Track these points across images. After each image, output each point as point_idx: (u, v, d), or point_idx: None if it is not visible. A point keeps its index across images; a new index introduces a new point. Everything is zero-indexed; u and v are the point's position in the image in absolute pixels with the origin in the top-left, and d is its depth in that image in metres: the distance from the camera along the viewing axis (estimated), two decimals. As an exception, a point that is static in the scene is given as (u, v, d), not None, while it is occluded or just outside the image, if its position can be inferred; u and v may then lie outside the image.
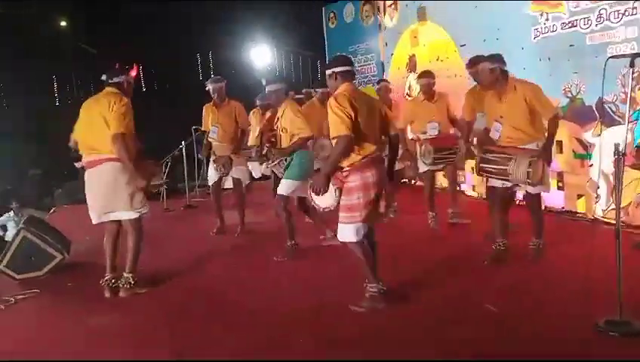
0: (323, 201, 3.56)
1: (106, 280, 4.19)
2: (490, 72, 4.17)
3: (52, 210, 8.83)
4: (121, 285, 4.18)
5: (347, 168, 3.45)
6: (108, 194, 4.04)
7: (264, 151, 6.33)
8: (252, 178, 7.26)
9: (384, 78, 7.99)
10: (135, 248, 4.20)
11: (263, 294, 4.12)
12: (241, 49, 13.83)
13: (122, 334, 3.59)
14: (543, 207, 5.75)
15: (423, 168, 5.73)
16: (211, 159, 5.99)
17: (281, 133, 4.93)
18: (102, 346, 3.42)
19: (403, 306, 3.64)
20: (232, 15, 13.87)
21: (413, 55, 8.33)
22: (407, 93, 8.51)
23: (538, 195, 4.30)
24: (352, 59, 9.52)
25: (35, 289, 4.49)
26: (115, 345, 3.42)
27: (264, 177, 7.50)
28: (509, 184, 4.20)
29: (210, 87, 5.92)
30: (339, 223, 3.54)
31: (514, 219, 4.56)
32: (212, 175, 6.01)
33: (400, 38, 8.56)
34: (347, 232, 3.50)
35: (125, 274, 4.21)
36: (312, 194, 3.56)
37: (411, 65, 8.37)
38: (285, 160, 4.89)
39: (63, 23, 17.36)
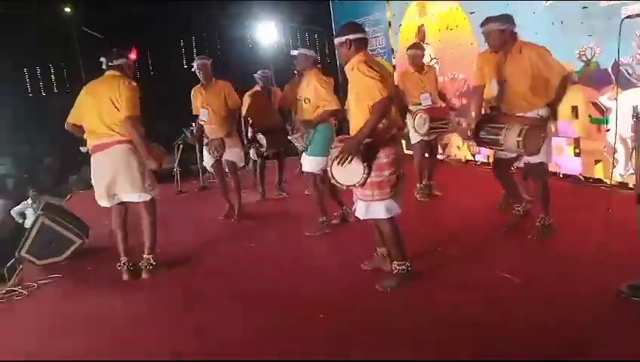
0: (346, 178, 3.35)
1: (124, 264, 4.22)
2: (499, 33, 3.96)
3: (68, 196, 8.92)
4: (143, 267, 4.22)
5: (376, 143, 3.29)
6: (118, 176, 4.01)
7: (250, 136, 6.44)
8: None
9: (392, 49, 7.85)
10: (152, 229, 4.23)
11: (284, 273, 4.14)
12: (247, 27, 13.73)
13: (146, 316, 3.65)
14: (560, 175, 5.78)
15: (415, 139, 5.70)
16: (205, 142, 5.79)
17: (303, 103, 4.76)
18: (127, 328, 3.47)
19: (426, 284, 3.60)
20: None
21: (422, 25, 8.19)
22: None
23: (539, 165, 4.04)
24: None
25: (57, 274, 4.57)
26: (139, 326, 3.49)
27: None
28: (511, 155, 4.07)
29: (194, 64, 5.70)
30: (365, 200, 3.41)
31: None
32: (207, 159, 5.88)
33: (408, 8, 8.41)
34: (378, 209, 3.39)
35: (145, 256, 4.24)
36: (334, 169, 3.34)
37: (420, 36, 8.23)
38: (308, 133, 4.76)
39: (67, 10, 17.30)
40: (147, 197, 4.16)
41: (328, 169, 3.42)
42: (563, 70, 3.87)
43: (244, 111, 6.49)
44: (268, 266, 4.35)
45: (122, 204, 4.20)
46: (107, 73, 4.12)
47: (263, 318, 3.35)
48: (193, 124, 6.09)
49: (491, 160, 5.16)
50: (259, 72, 6.78)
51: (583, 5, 5.36)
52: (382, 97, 3.18)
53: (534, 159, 3.97)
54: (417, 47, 5.86)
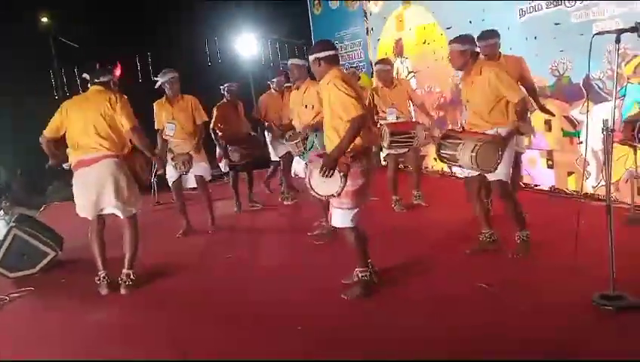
0: (325, 189, 3.42)
1: (103, 278, 4.17)
2: (459, 54, 3.96)
3: (43, 207, 8.75)
4: (121, 281, 4.16)
5: (351, 154, 3.40)
6: (105, 189, 4.02)
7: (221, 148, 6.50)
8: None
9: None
10: (134, 243, 4.22)
11: (261, 285, 4.13)
12: (227, 40, 13.70)
13: (121, 330, 3.60)
14: (534, 186, 5.88)
15: (385, 153, 5.90)
16: (169, 157, 5.60)
17: (304, 109, 4.86)
18: (100, 343, 3.42)
19: (394, 291, 3.67)
20: (215, 5, 13.73)
21: (400, 39, 8.31)
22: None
23: (499, 183, 3.94)
24: (339, 45, 9.64)
25: (30, 287, 4.48)
26: (114, 341, 3.43)
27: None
28: (474, 173, 4.00)
29: (162, 80, 5.56)
30: (336, 209, 3.52)
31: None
32: (171, 174, 5.66)
33: (386, 22, 8.53)
34: (345, 218, 3.50)
35: (125, 271, 4.20)
36: (313, 183, 3.43)
37: (398, 50, 8.35)
38: (306, 139, 4.85)
39: (44, 19, 17.12)
40: (131, 211, 4.18)
41: (306, 182, 3.50)
42: (519, 93, 3.82)
43: (212, 124, 6.50)
44: (245, 278, 4.34)
45: (101, 216, 4.19)
46: (93, 88, 4.15)
47: (238, 330, 3.35)
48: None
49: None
50: (225, 84, 6.76)
51: (556, 21, 5.50)
52: (357, 114, 3.29)
53: (493, 177, 3.90)
54: (384, 62, 5.96)
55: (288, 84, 6.53)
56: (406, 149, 5.74)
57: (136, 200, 4.22)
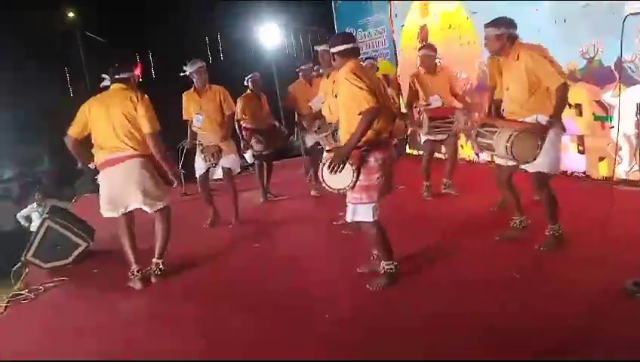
0: (338, 183, 3.42)
1: (137, 272, 4.15)
2: (496, 39, 3.77)
3: (74, 200, 8.95)
4: (151, 271, 4.21)
5: (365, 147, 3.37)
6: (131, 189, 4.02)
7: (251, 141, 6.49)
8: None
9: (394, 52, 7.75)
10: (165, 235, 4.25)
11: (285, 276, 4.15)
12: (250, 30, 13.75)
13: (153, 319, 3.67)
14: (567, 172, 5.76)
15: (422, 138, 5.81)
16: (198, 149, 5.62)
17: (334, 98, 4.74)
18: (134, 331, 3.49)
19: (417, 278, 3.67)
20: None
21: (425, 25, 8.19)
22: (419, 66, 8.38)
23: (538, 175, 3.75)
24: (362, 32, 9.56)
25: (63, 277, 4.60)
26: (147, 330, 3.51)
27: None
28: (510, 162, 3.88)
29: (190, 70, 5.50)
30: (352, 203, 3.48)
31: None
32: (200, 166, 5.63)
33: (410, 8, 8.42)
34: (364, 212, 3.47)
35: (155, 260, 4.24)
36: (325, 176, 3.43)
37: (423, 36, 8.23)
38: (336, 132, 4.62)
39: (71, 14, 17.39)
40: (161, 205, 4.19)
41: (319, 175, 3.51)
42: (558, 79, 3.59)
43: (237, 115, 6.50)
44: (270, 268, 4.38)
45: (130, 212, 4.18)
46: (115, 86, 4.11)
47: (262, 319, 3.39)
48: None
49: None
50: (249, 75, 6.78)
51: (585, 3, 5.35)
52: (369, 106, 3.24)
53: (532, 168, 3.73)
54: (429, 47, 5.81)
55: (319, 71, 6.46)
56: (445, 135, 5.66)
57: (164, 194, 4.22)
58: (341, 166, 3.33)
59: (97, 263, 4.90)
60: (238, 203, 5.84)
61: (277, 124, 7.13)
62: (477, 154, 7.45)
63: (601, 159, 5.58)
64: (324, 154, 3.65)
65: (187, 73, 5.53)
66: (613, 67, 5.21)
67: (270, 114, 7.00)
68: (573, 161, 5.90)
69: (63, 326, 3.71)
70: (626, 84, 5.04)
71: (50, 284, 4.46)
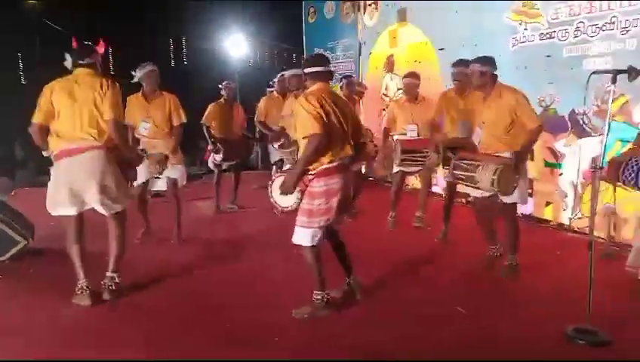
0: (284, 201, 3.49)
1: (85, 287, 3.73)
2: (480, 75, 4.06)
3: (12, 192, 8.50)
4: (104, 286, 3.80)
5: (312, 173, 3.35)
6: (91, 183, 3.65)
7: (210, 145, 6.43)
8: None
9: (353, 75, 7.68)
10: (121, 243, 3.88)
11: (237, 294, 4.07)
12: (216, 38, 13.63)
13: (86, 324, 3.49)
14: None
15: (395, 169, 5.75)
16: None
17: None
18: (64, 336, 3.32)
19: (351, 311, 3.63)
20: (208, 3, 13.67)
21: (392, 55, 8.36)
22: (383, 93, 8.55)
23: (512, 206, 4.10)
24: (331, 55, 9.65)
25: (-3, 274, 4.34)
26: (77, 335, 3.34)
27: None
28: (487, 194, 4.09)
29: (139, 73, 5.09)
30: (296, 226, 3.44)
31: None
32: (142, 174, 4.90)
33: (379, 37, 8.58)
34: (303, 236, 3.41)
35: (109, 273, 3.84)
36: (274, 193, 3.49)
37: (389, 66, 8.40)
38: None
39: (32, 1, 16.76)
40: (119, 207, 3.82)
41: (269, 190, 3.59)
42: (536, 121, 3.95)
43: (204, 119, 6.52)
44: (222, 285, 4.26)
45: (81, 214, 3.77)
46: (80, 71, 3.75)
47: (212, 345, 3.28)
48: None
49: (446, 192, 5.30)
50: (223, 82, 6.75)
51: (547, 53, 5.60)
52: (312, 132, 3.23)
53: (509, 199, 4.00)
54: (413, 75, 5.77)
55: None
56: (417, 168, 5.65)
57: (125, 196, 3.89)
58: (293, 188, 3.37)
59: (35, 263, 4.65)
60: (181, 218, 5.41)
61: (249, 135, 7.10)
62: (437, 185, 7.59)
63: (548, 204, 5.80)
64: (277, 176, 3.73)
65: (136, 79, 5.15)
66: (567, 117, 5.46)
67: (242, 125, 6.95)
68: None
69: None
70: (578, 135, 5.29)
71: (-19, 281, 4.20)
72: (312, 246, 3.41)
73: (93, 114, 3.67)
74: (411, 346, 3.13)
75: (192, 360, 3.03)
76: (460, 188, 4.79)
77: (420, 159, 5.49)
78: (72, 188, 3.66)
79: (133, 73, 5.16)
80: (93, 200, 3.71)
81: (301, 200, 3.41)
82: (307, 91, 3.49)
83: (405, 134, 5.65)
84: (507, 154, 3.92)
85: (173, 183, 5.33)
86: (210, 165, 6.77)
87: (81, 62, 3.77)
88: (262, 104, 6.94)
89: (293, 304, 3.57)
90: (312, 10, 10.16)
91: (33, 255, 4.80)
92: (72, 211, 3.70)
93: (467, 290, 3.95)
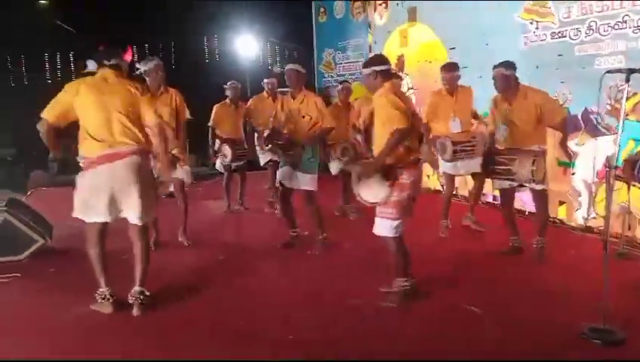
0: (371, 196, 3.55)
1: (109, 295, 3.62)
2: (504, 78, 4.44)
3: (29, 193, 8.62)
4: (133, 300, 3.59)
5: (400, 165, 3.55)
6: (130, 191, 3.49)
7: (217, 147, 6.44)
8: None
9: (348, 81, 7.17)
10: (147, 255, 3.68)
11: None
12: (226, 38, 13.70)
13: (107, 324, 3.53)
14: (526, 212, 5.97)
15: (445, 168, 5.47)
16: None
17: (301, 118, 4.82)
18: (83, 336, 3.36)
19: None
20: (217, 3, 13.71)
21: (402, 55, 8.37)
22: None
23: (543, 192, 4.51)
24: (341, 55, 9.68)
25: (16, 273, 4.41)
26: (98, 334, 3.38)
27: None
28: (515, 184, 4.54)
29: (144, 68, 4.86)
30: (380, 218, 3.60)
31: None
32: None
33: (389, 36, 8.60)
34: (389, 227, 3.58)
35: (137, 288, 3.62)
36: (360, 188, 3.55)
37: (399, 65, 8.41)
38: (303, 149, 4.77)
39: (43, 1, 16.91)
40: (149, 219, 3.69)
41: (354, 187, 3.60)
42: (563, 112, 4.66)
43: (211, 121, 6.53)
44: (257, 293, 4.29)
45: (104, 222, 3.59)
46: (106, 73, 3.57)
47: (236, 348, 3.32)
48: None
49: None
50: (228, 83, 6.73)
51: (559, 52, 5.60)
52: (401, 127, 3.43)
53: (540, 186, 4.44)
54: (453, 68, 5.44)
55: (283, 89, 6.46)
56: (467, 162, 5.29)
57: (155, 206, 3.78)
58: (371, 179, 3.49)
59: (53, 262, 4.72)
60: (187, 218, 5.33)
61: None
62: (442, 186, 7.60)
63: (561, 203, 5.80)
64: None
65: (141, 71, 4.90)
66: (579, 117, 5.46)
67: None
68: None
69: (11, 324, 3.54)
70: (591, 134, 5.29)
71: (2, 279, 4.27)
72: (396, 236, 3.60)
73: (131, 117, 3.53)
74: (425, 345, 3.16)
75: (199, 360, 3.06)
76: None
77: (469, 148, 5.19)
78: (112, 195, 3.48)
79: (137, 65, 5.02)
80: (132, 209, 3.53)
81: (389, 194, 3.50)
82: (384, 89, 3.61)
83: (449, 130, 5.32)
84: (536, 148, 4.38)
85: (180, 183, 5.20)
86: (218, 167, 6.76)
87: (108, 62, 3.62)
88: (251, 103, 6.83)
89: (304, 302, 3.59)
90: (322, 10, 10.20)
91: (52, 254, 4.87)
92: (106, 219, 3.54)
93: (482, 290, 3.97)
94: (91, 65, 3.85)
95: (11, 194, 5.98)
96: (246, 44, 12.71)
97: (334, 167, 6.13)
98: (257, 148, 6.71)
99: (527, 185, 4.45)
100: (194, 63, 14.90)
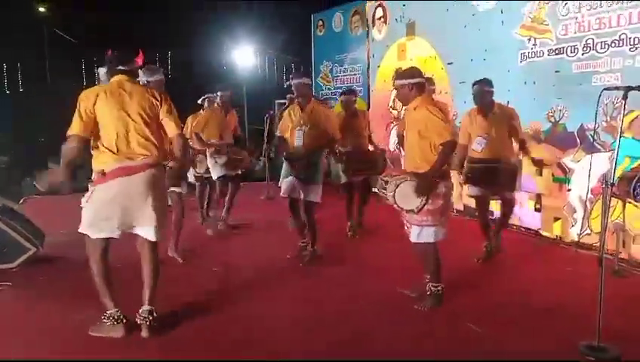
0: (406, 204, 3.65)
1: (118, 318, 3.36)
2: (486, 94, 4.82)
3: (22, 200, 8.56)
4: (142, 320, 3.36)
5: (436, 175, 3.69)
6: (149, 206, 3.29)
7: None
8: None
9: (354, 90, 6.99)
10: (156, 273, 3.46)
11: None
12: (225, 50, 13.75)
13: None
14: (522, 228, 5.98)
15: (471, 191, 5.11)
16: None
17: (307, 129, 4.87)
18: (74, 345, 3.32)
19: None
20: (216, 14, 13.78)
21: (400, 68, 8.39)
22: (391, 107, 8.59)
23: (513, 200, 5.08)
24: (339, 68, 9.72)
25: (7, 282, 4.35)
26: (88, 343, 3.32)
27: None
28: (487, 192, 4.93)
29: (147, 78, 4.55)
30: (418, 225, 3.72)
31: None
32: None
33: (387, 50, 8.64)
34: (429, 234, 3.72)
35: (145, 307, 3.38)
36: (397, 196, 3.63)
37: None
38: (308, 160, 4.81)
39: (42, 9, 16.94)
40: (159, 235, 3.43)
41: (390, 195, 3.66)
42: (522, 133, 5.10)
43: (195, 128, 6.12)
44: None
45: (107, 238, 3.36)
46: (123, 78, 3.35)
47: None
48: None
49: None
50: (218, 89, 6.42)
51: (556, 69, 5.63)
52: (450, 139, 3.62)
53: (510, 195, 4.97)
54: (486, 83, 4.97)
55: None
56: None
57: (166, 221, 3.57)
58: (427, 196, 3.60)
59: (45, 271, 4.66)
60: (179, 233, 5.06)
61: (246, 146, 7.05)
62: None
63: (556, 219, 5.79)
64: (391, 178, 3.76)
65: (143, 81, 4.51)
66: (575, 133, 5.47)
67: (235, 132, 6.62)
68: (529, 218, 6.10)
69: (2, 333, 3.49)
70: (587, 151, 5.30)
71: (-7, 288, 4.22)
72: (434, 242, 3.76)
73: (150, 127, 3.32)
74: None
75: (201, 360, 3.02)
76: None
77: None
78: (126, 210, 3.27)
79: (140, 73, 4.47)
80: (147, 225, 3.33)
81: (425, 203, 3.61)
82: (425, 102, 3.76)
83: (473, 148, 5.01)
84: (514, 159, 4.96)
85: (177, 195, 4.96)
86: (190, 178, 6.32)
87: (123, 67, 3.39)
88: (203, 115, 6.40)
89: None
90: (320, 23, 10.24)
91: (43, 262, 4.82)
92: (116, 235, 3.32)
93: (477, 307, 3.94)
94: (102, 73, 3.59)
95: (4, 202, 5.93)
96: (244, 56, 12.77)
97: (344, 178, 6.01)
98: (210, 160, 6.14)
99: (499, 193, 4.93)
100: (191, 75, 14.95)
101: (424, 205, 3.62)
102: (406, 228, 3.90)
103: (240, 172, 6.35)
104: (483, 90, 4.82)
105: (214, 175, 6.15)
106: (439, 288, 3.84)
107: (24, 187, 11.08)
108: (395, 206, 3.72)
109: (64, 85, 13.78)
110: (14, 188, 11.48)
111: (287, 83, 6.07)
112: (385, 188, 3.76)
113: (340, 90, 7.48)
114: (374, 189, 4.34)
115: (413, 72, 3.88)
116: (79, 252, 3.88)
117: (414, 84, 3.75)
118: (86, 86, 3.54)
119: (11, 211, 5.39)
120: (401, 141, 5.70)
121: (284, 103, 7.09)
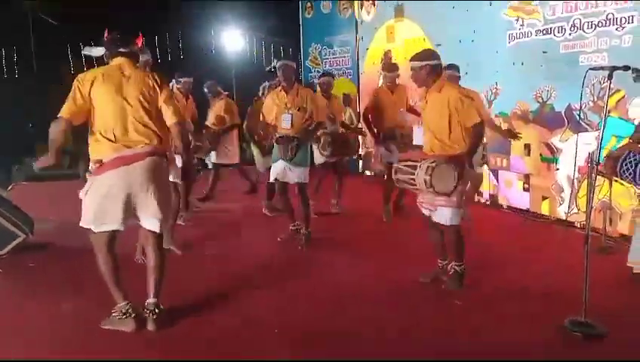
0: (442, 186, 3.60)
1: (127, 312, 3.22)
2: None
3: (10, 187, 8.48)
4: (148, 313, 3.25)
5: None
6: (153, 196, 3.15)
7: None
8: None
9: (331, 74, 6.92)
10: (163, 265, 3.33)
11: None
12: (212, 31, 13.62)
13: (85, 318, 3.45)
14: (507, 207, 6.01)
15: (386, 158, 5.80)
16: None
17: (296, 111, 4.85)
18: (66, 333, 3.30)
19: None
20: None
21: (389, 51, 8.38)
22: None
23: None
24: (328, 50, 9.67)
25: (-3, 269, 4.34)
26: (78, 329, 3.33)
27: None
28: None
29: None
30: (449, 207, 3.68)
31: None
32: None
33: (376, 32, 8.60)
34: (457, 215, 3.72)
35: (150, 300, 3.27)
36: (434, 180, 3.57)
37: (386, 61, 8.41)
38: (296, 144, 4.78)
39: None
40: (164, 227, 3.32)
41: (422, 178, 3.59)
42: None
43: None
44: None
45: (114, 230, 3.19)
46: (123, 61, 3.18)
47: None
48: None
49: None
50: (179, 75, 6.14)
51: (544, 49, 5.64)
52: (481, 120, 3.64)
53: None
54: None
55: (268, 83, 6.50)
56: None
57: (170, 211, 3.49)
58: (445, 171, 3.58)
59: (34, 257, 4.64)
60: (174, 224, 4.86)
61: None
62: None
63: (544, 198, 5.85)
64: (422, 161, 3.67)
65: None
66: (563, 113, 5.51)
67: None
68: (518, 198, 6.16)
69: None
70: (574, 131, 5.34)
71: (-18, 275, 4.21)
72: (459, 224, 3.76)
73: (149, 114, 3.16)
74: (408, 339, 3.17)
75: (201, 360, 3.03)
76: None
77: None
78: (128, 201, 3.11)
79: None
80: (150, 216, 3.19)
81: (458, 183, 3.60)
82: (444, 85, 3.71)
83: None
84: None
85: (173, 185, 4.78)
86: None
87: (123, 49, 3.20)
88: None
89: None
90: (308, 5, 10.15)
91: (33, 249, 4.80)
92: (120, 227, 3.14)
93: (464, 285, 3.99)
94: (95, 51, 3.38)
95: (-8, 189, 5.89)
96: (232, 39, 12.67)
97: (320, 159, 6.24)
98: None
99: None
100: (180, 58, 14.79)
101: (456, 186, 3.62)
102: (427, 211, 3.84)
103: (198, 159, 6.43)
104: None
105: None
106: (463, 267, 3.85)
107: (13, 174, 11.00)
108: (423, 189, 3.65)
109: (50, 69, 13.61)
110: (3, 175, 11.39)
111: (268, 68, 6.03)
112: (412, 173, 3.69)
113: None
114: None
115: (430, 53, 3.84)
116: (69, 238, 3.91)
117: (432, 66, 3.70)
118: (74, 68, 3.40)
119: (0, 198, 5.35)
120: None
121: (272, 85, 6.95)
